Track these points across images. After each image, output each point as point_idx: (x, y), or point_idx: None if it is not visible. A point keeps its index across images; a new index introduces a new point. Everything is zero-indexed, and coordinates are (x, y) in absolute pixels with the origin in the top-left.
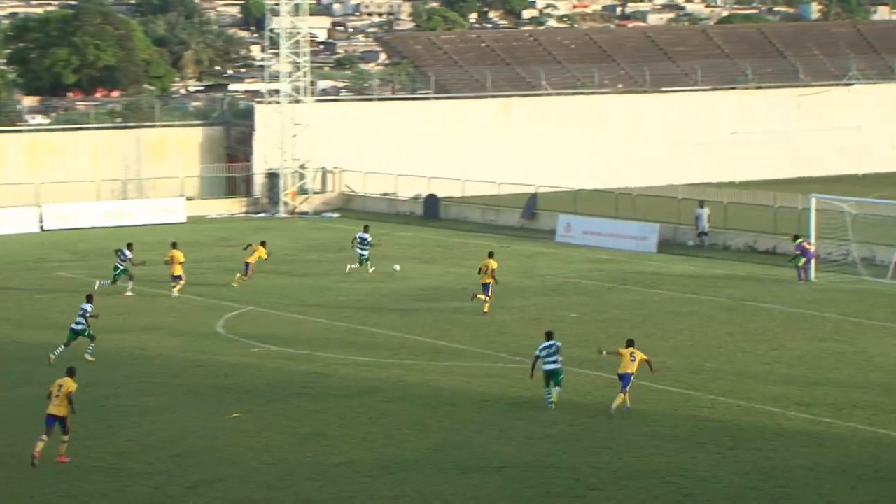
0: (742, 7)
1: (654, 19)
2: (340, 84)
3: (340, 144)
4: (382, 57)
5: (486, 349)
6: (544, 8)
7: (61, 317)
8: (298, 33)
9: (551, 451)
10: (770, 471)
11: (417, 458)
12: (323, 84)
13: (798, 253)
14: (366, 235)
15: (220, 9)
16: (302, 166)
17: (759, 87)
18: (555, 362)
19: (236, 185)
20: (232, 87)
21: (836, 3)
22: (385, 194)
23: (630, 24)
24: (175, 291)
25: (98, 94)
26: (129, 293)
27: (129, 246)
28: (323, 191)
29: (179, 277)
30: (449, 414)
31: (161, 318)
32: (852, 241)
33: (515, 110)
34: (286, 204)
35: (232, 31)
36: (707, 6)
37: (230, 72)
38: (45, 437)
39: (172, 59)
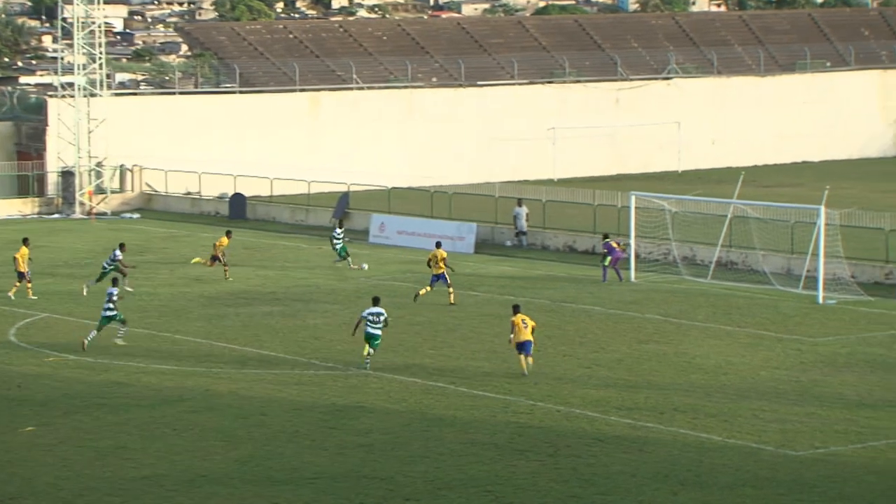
0: None
1: (468, 10)
2: (139, 77)
3: (140, 141)
4: (184, 48)
5: (298, 356)
6: None
7: None
8: (93, 23)
9: (365, 461)
10: (590, 477)
11: (225, 470)
12: (121, 77)
13: (605, 251)
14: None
15: None
16: (99, 164)
17: (577, 81)
18: (377, 328)
19: (28, 185)
20: (22, 79)
21: None
22: (188, 193)
23: (444, 15)
24: None
25: None
26: (128, 288)
27: (122, 247)
28: (122, 190)
29: None
30: (259, 424)
31: None
32: (672, 239)
33: (325, 105)
34: (82, 204)
35: (21, 20)
36: None
37: (20, 63)
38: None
39: None
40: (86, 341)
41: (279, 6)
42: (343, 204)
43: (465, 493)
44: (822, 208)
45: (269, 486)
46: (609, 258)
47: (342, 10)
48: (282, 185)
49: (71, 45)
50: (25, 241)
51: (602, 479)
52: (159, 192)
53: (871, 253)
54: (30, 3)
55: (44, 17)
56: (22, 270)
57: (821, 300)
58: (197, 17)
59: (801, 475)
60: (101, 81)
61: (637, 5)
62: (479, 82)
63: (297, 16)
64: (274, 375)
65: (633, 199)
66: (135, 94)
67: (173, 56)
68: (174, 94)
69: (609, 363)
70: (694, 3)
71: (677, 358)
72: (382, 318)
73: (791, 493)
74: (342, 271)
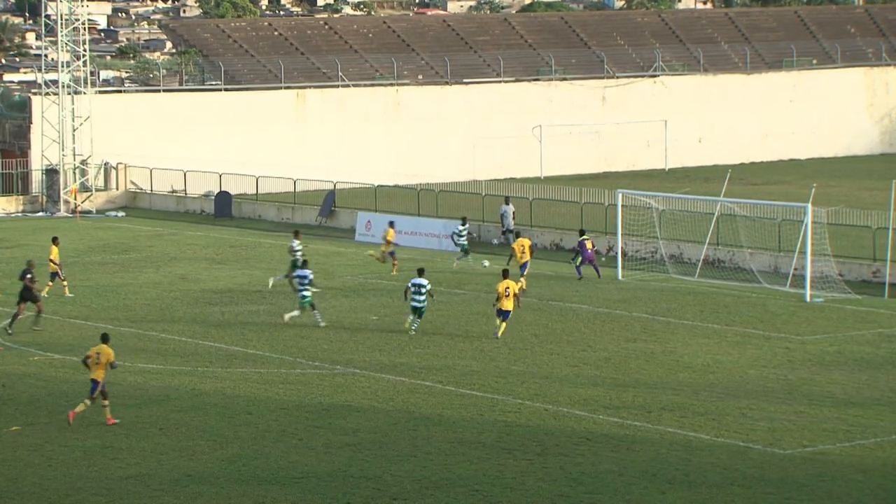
0: None
1: (454, 7)
2: (124, 74)
3: (125, 139)
4: (168, 46)
5: (284, 355)
6: None
7: None
8: (77, 20)
9: (352, 460)
10: (578, 476)
11: (212, 469)
12: (105, 74)
13: (577, 250)
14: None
15: None
16: (84, 162)
17: (564, 79)
18: (421, 301)
19: (12, 183)
20: (6, 77)
21: None
22: (174, 191)
23: (430, 13)
24: None
25: None
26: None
27: (296, 234)
28: (107, 188)
29: None
30: (245, 423)
31: None
32: (660, 237)
33: (311, 102)
34: (67, 202)
35: (4, 17)
36: None
37: (3, 61)
38: (87, 401)
39: None
40: (286, 316)
41: (264, 3)
42: (329, 202)
43: (452, 493)
44: (810, 206)
45: (255, 486)
46: (580, 258)
47: (327, 7)
48: (268, 183)
49: (55, 43)
50: (55, 240)
51: (590, 479)
52: (144, 190)
53: (858, 251)
54: (13, 0)
55: (27, 15)
56: (54, 270)
57: (808, 298)
58: (182, 15)
59: (789, 474)
60: (86, 79)
61: (623, 3)
62: (465, 80)
63: (282, 13)
64: (260, 374)
65: (620, 197)
66: (119, 91)
67: (158, 53)
68: (159, 91)
69: (597, 362)
70: (680, 1)
71: (665, 356)
72: (425, 289)
73: (779, 492)
74: (328, 269)
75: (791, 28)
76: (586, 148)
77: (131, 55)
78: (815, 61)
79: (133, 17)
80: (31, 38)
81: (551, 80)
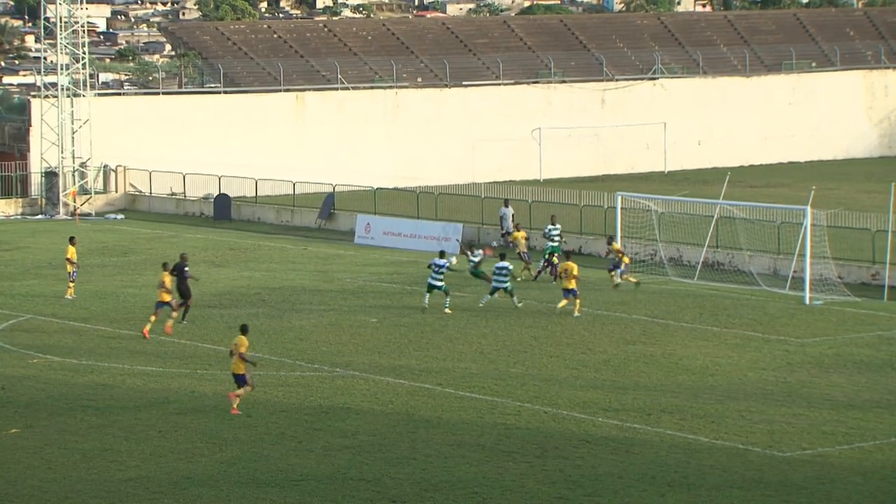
0: None
1: (453, 10)
2: (123, 77)
3: (124, 141)
4: (167, 48)
5: (284, 357)
6: None
7: None
8: (76, 22)
9: (352, 463)
10: (578, 479)
11: (211, 472)
12: (104, 77)
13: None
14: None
15: None
16: (83, 164)
17: (563, 81)
18: (504, 281)
19: (11, 185)
20: (5, 79)
21: None
22: (173, 194)
23: (429, 15)
24: None
25: None
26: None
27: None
28: (106, 191)
29: None
30: (244, 425)
31: None
32: (659, 240)
33: (310, 105)
34: (66, 205)
35: (4, 19)
36: None
37: (2, 63)
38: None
39: None
40: (426, 304)
41: (263, 6)
42: (328, 204)
43: (452, 495)
44: (809, 209)
45: (255, 488)
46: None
47: (326, 9)
48: (267, 186)
49: (54, 45)
50: (72, 240)
51: (589, 481)
52: (144, 192)
53: (857, 253)
54: (12, 3)
55: (27, 17)
56: (69, 270)
57: (808, 301)
58: (181, 17)
59: (788, 476)
60: (85, 81)
61: (622, 5)
62: (465, 82)
63: (281, 15)
64: (259, 377)
65: (619, 199)
66: (118, 94)
67: (157, 56)
68: (158, 94)
69: (596, 364)
70: (679, 3)
71: (664, 359)
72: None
73: (778, 495)
74: (328, 273)
75: (790, 31)
76: (585, 150)
77: (130, 58)
78: (814, 64)
79: (132, 19)
80: (30, 40)
81: (550, 82)
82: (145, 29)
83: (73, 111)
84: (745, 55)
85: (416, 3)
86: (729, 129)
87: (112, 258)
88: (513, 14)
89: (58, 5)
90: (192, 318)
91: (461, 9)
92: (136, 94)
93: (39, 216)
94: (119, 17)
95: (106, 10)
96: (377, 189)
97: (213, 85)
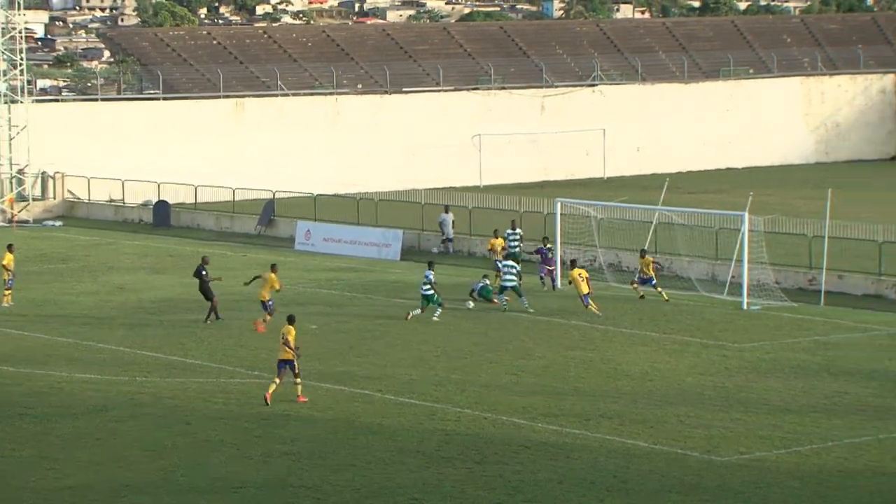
0: (483, 4)
1: (393, 16)
2: (61, 83)
3: (63, 148)
4: (106, 54)
5: (223, 364)
6: (279, 3)
7: None
8: (14, 28)
9: (291, 470)
10: (518, 485)
11: (150, 479)
12: (42, 83)
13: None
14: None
15: None
16: (20, 171)
17: (503, 88)
18: (512, 280)
19: None
20: None
21: (578, 2)
22: (112, 201)
23: (369, 22)
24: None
25: None
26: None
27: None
28: (44, 197)
29: None
30: (183, 433)
31: None
32: (598, 246)
33: (250, 111)
34: (4, 212)
35: None
36: (447, 3)
37: None
38: (276, 379)
39: None
40: (411, 314)
41: (203, 12)
42: (268, 211)
43: (392, 502)
44: (746, 215)
45: (194, 496)
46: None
47: (266, 16)
48: (206, 193)
49: None
50: (10, 248)
51: (529, 486)
52: (82, 199)
53: (794, 259)
54: None
55: None
56: (5, 278)
57: (745, 306)
58: (119, 23)
59: (726, 481)
60: (23, 88)
61: (562, 12)
62: (405, 89)
63: (220, 22)
64: (199, 384)
65: (558, 205)
66: (57, 100)
67: (95, 62)
68: (97, 100)
69: (535, 370)
70: (618, 11)
71: (603, 364)
72: (515, 269)
73: (716, 499)
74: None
75: (728, 37)
76: (525, 157)
77: (69, 64)
78: (751, 70)
79: (70, 25)
80: None
81: (490, 89)
82: (84, 35)
83: (10, 117)
84: (684, 62)
85: (356, 9)
86: (667, 136)
87: (50, 265)
88: (453, 21)
89: None
90: (132, 325)
91: (401, 15)
92: (74, 100)
93: None
94: (57, 23)
95: (44, 16)
96: (317, 195)
97: (152, 91)
